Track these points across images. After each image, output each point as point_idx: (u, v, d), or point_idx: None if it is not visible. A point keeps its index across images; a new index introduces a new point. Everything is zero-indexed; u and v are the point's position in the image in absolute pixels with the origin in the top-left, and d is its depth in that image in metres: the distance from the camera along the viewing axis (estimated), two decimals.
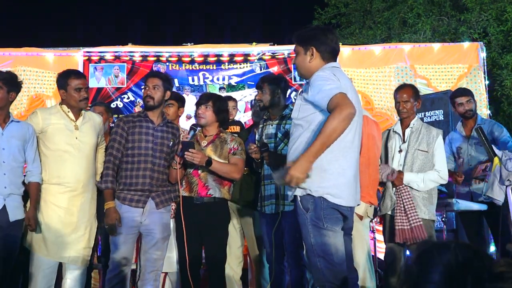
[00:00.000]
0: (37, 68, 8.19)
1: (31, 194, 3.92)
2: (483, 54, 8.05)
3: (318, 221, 2.99)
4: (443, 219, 4.93)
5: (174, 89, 7.63)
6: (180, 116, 4.89)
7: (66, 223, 3.96)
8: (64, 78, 4.12)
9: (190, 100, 8.17)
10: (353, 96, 3.05)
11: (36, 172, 3.94)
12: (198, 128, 4.36)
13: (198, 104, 4.32)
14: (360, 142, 3.23)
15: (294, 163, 2.87)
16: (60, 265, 4.06)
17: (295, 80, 8.34)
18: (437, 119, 6.82)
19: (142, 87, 4.27)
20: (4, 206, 3.80)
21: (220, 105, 4.31)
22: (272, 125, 4.25)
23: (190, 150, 4.03)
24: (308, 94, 3.08)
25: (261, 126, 4.38)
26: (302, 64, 3.23)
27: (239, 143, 4.29)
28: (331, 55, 3.21)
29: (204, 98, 4.30)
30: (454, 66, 7.99)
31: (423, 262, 1.38)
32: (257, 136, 4.40)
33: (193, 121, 8.37)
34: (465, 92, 5.37)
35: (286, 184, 2.95)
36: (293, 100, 8.06)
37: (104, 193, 4.09)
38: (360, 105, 3.26)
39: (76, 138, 4.08)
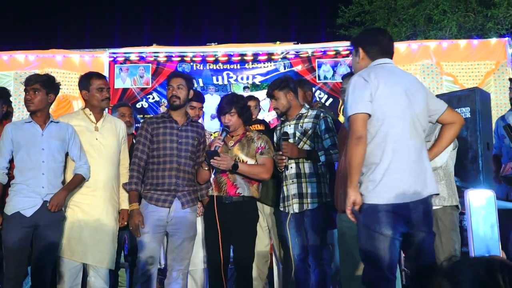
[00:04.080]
0: (64, 69, 8.31)
1: (71, 180, 3.97)
2: (511, 50, 7.91)
3: (369, 224, 2.92)
4: None
5: (198, 89, 7.69)
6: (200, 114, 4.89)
7: (88, 224, 4.00)
8: (86, 79, 4.20)
9: (215, 100, 8.19)
10: (387, 94, 2.99)
11: (85, 167, 4.00)
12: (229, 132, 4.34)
13: (221, 113, 4.27)
14: (418, 131, 3.10)
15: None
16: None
17: (319, 79, 8.31)
18: (464, 116, 6.72)
19: (168, 88, 4.28)
20: (42, 205, 3.84)
21: (242, 107, 4.27)
22: (290, 125, 4.26)
23: (215, 158, 4.04)
24: None
25: (278, 128, 4.40)
26: (354, 65, 3.32)
27: (266, 142, 4.26)
28: (380, 53, 3.22)
29: (226, 106, 4.22)
30: (481, 62, 7.88)
31: (454, 278, 1.34)
32: (275, 138, 4.42)
33: (217, 120, 8.44)
34: None
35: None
36: (317, 99, 8.03)
37: (129, 194, 4.14)
38: (416, 95, 3.11)
39: (96, 139, 4.13)
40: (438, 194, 3.24)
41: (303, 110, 4.28)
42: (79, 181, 3.99)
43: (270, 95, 4.32)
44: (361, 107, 2.94)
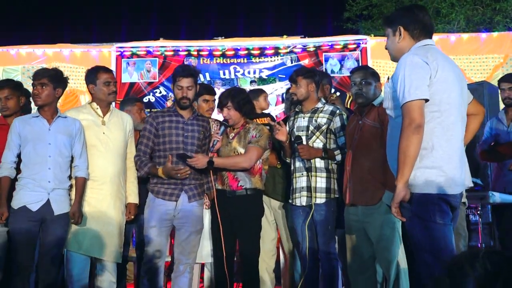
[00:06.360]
0: (71, 64, 8.34)
1: (76, 188, 3.98)
2: None
3: (424, 214, 2.78)
4: (478, 212, 4.83)
5: (205, 83, 7.69)
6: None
7: (95, 217, 4.01)
8: (93, 73, 4.19)
9: None
10: (444, 78, 2.82)
11: (83, 167, 4.01)
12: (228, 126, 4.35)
13: (219, 107, 4.29)
14: (464, 120, 2.97)
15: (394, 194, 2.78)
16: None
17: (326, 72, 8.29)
18: None
19: (176, 87, 4.20)
20: (48, 200, 3.86)
21: (239, 100, 4.24)
22: (304, 118, 4.25)
23: (187, 160, 4.03)
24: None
25: (292, 118, 4.38)
26: (391, 46, 3.06)
27: (259, 131, 4.23)
28: (422, 32, 2.97)
29: (223, 100, 4.24)
30: (489, 56, 7.84)
31: (454, 275, 1.37)
32: (288, 128, 4.39)
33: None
34: (510, 78, 5.17)
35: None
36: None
37: (151, 172, 4.12)
38: (463, 81, 2.99)
39: (104, 133, 4.13)
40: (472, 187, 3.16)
41: (319, 105, 4.26)
42: (83, 184, 4.00)
43: (293, 80, 4.28)
44: (420, 92, 2.74)
